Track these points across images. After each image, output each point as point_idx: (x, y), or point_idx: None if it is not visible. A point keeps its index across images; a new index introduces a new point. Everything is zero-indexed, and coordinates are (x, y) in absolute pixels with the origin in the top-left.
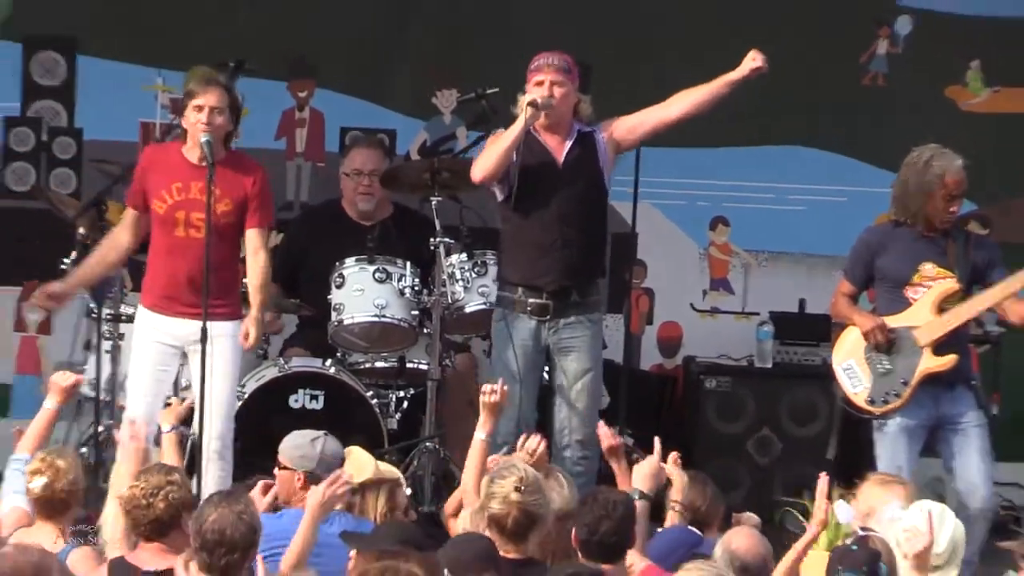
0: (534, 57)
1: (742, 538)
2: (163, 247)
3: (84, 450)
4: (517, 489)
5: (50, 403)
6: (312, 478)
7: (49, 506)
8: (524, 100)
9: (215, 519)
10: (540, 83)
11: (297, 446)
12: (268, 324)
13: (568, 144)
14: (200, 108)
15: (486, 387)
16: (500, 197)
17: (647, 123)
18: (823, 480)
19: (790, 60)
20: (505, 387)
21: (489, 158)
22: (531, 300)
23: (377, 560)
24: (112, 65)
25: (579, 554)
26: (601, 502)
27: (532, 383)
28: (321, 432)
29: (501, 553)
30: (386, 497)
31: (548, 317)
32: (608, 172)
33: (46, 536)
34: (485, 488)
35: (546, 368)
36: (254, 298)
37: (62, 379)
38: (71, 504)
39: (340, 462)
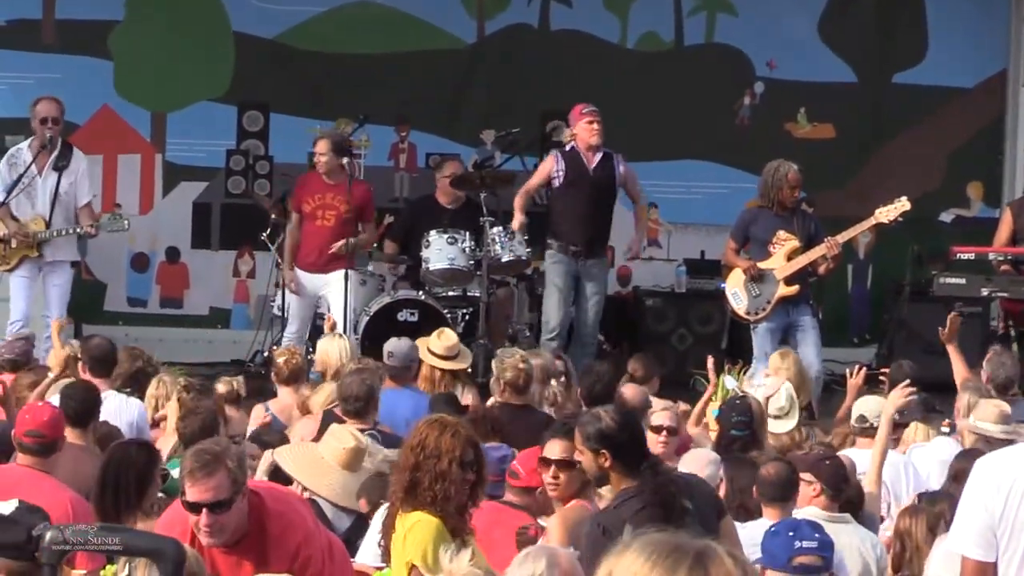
0: (580, 105)
1: (628, 390)
2: (308, 231)
3: (275, 347)
4: (523, 360)
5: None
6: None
7: (293, 376)
8: (572, 132)
9: (348, 383)
10: (591, 122)
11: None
12: (390, 268)
13: (596, 158)
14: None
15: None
16: (555, 185)
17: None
18: (710, 361)
19: (695, 108)
20: None
21: (530, 183)
22: (570, 247)
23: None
24: (288, 118)
25: (583, 404)
26: (595, 371)
27: (569, 292)
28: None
29: (513, 403)
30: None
31: (580, 257)
32: (619, 183)
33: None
34: (498, 365)
35: None
36: (360, 244)
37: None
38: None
39: (411, 354)
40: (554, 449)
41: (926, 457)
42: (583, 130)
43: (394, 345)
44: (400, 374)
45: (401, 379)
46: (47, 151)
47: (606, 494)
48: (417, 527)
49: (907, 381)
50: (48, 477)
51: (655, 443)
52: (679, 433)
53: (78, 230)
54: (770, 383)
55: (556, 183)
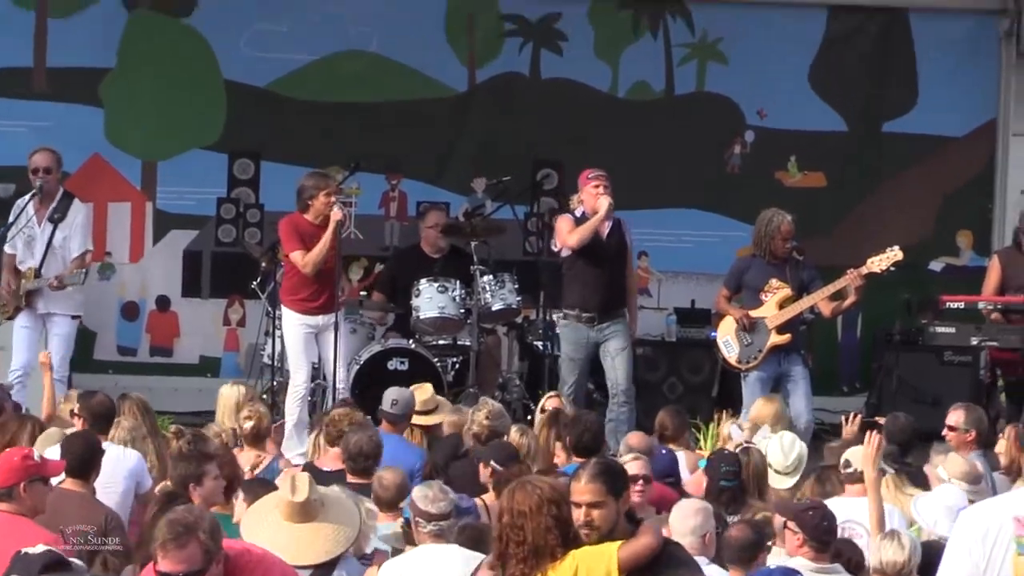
0: (587, 170)
1: (633, 437)
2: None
3: (265, 396)
4: (487, 416)
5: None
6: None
7: (255, 437)
8: (603, 201)
9: (357, 440)
10: (597, 187)
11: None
12: (376, 318)
13: (608, 226)
14: (328, 194)
15: None
16: (566, 253)
17: None
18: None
19: (686, 157)
20: None
21: (583, 236)
22: (583, 315)
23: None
24: (279, 166)
25: (571, 454)
26: (583, 421)
27: (585, 361)
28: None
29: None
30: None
31: (595, 323)
32: (630, 247)
33: (250, 457)
34: (469, 417)
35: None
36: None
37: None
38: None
39: (412, 403)
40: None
41: (930, 505)
42: (590, 196)
43: (398, 393)
44: (400, 421)
45: (400, 427)
46: (45, 202)
47: None
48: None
49: (876, 431)
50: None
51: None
52: (652, 482)
53: (42, 284)
54: (787, 441)
55: (566, 251)
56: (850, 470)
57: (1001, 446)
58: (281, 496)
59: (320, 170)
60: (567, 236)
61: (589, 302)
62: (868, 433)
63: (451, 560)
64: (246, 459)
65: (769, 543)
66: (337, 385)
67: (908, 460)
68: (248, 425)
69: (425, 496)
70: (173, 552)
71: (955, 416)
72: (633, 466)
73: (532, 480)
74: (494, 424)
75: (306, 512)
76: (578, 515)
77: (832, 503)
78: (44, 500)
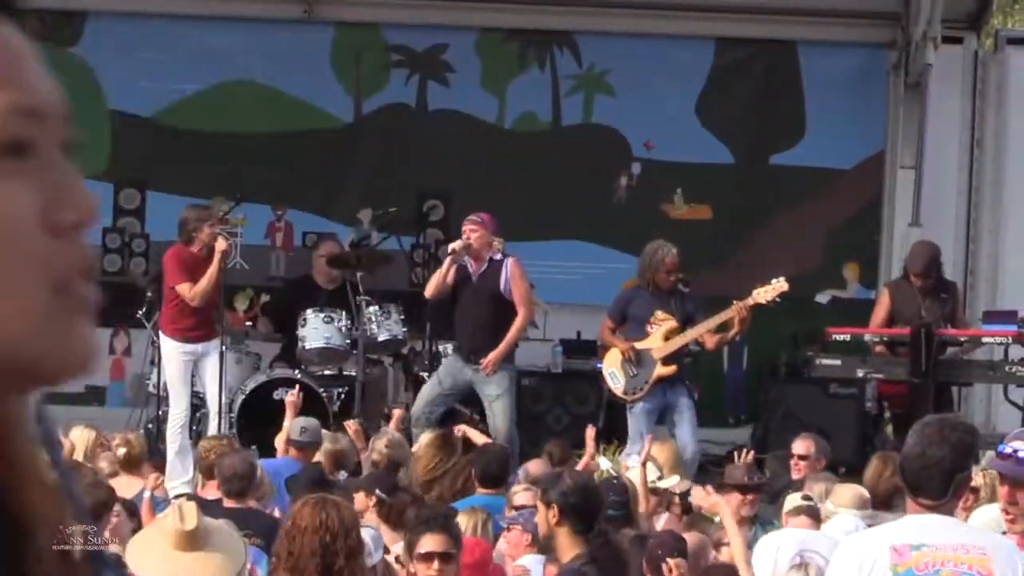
0: (472, 214)
1: (533, 464)
2: (185, 303)
3: (151, 425)
4: (387, 445)
5: None
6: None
7: (129, 465)
8: (451, 246)
9: (230, 463)
10: (464, 232)
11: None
12: (265, 347)
13: (482, 268)
14: (212, 225)
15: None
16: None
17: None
18: (590, 430)
19: (572, 188)
20: None
21: (432, 288)
22: (460, 350)
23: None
24: (164, 196)
25: (477, 485)
26: (489, 451)
27: (450, 388)
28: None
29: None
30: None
31: (470, 363)
32: (507, 285)
33: (131, 485)
34: (371, 446)
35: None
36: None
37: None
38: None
39: (319, 431)
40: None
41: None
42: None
43: (307, 422)
44: (307, 448)
45: (307, 454)
46: None
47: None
48: None
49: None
50: None
51: None
52: None
53: None
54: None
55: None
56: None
57: (868, 474)
58: (169, 525)
59: (202, 202)
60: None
61: (461, 342)
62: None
63: None
64: (123, 484)
65: None
66: (220, 412)
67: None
68: (121, 452)
69: None
70: None
71: (804, 445)
72: (521, 496)
73: (332, 501)
74: (393, 452)
75: (194, 541)
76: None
77: (789, 533)
78: None
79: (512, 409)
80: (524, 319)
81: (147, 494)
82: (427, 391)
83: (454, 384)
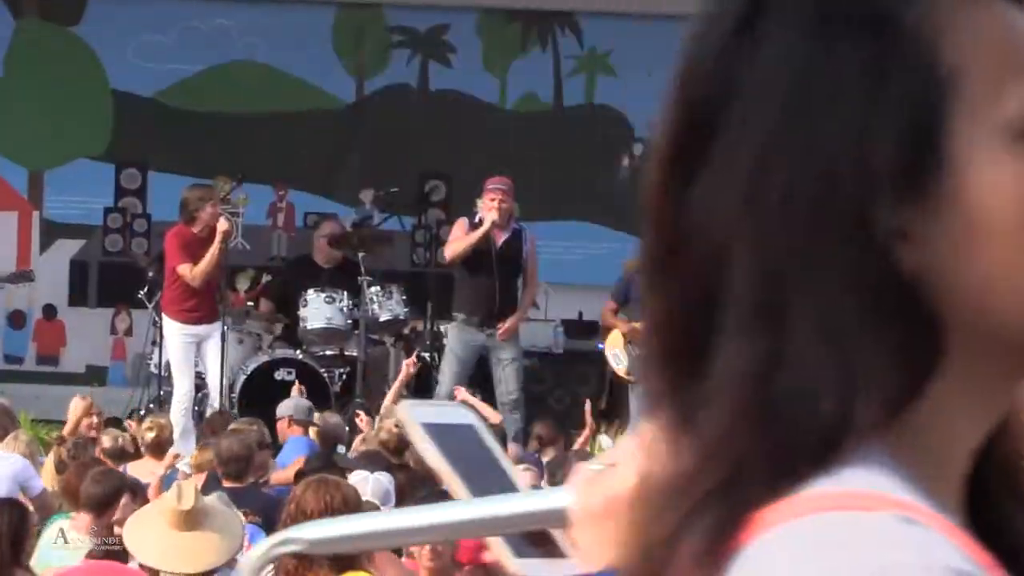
0: (491, 178)
1: (510, 448)
2: (187, 285)
3: (152, 405)
4: (396, 425)
5: None
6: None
7: (157, 448)
8: (488, 216)
9: (228, 444)
10: (493, 199)
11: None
12: (265, 327)
13: (505, 236)
14: (214, 205)
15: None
16: (459, 262)
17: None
18: (587, 405)
19: (574, 169)
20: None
21: (457, 251)
22: (472, 319)
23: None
24: (166, 176)
25: None
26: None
27: (469, 364)
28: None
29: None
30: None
31: (483, 328)
32: (527, 256)
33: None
34: (377, 425)
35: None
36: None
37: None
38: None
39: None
40: None
41: None
42: (484, 207)
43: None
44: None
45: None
46: None
47: None
48: None
49: None
50: None
51: None
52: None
53: None
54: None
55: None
56: None
57: None
58: (167, 504)
59: (203, 182)
60: (447, 245)
61: (477, 309)
62: None
63: None
64: (147, 468)
65: None
66: (221, 392)
67: None
68: (150, 436)
69: None
70: None
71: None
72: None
73: (335, 482)
74: (403, 432)
75: (192, 520)
76: None
77: None
78: None
79: (523, 374)
80: (534, 292)
81: (160, 472)
82: (449, 370)
83: (469, 354)
